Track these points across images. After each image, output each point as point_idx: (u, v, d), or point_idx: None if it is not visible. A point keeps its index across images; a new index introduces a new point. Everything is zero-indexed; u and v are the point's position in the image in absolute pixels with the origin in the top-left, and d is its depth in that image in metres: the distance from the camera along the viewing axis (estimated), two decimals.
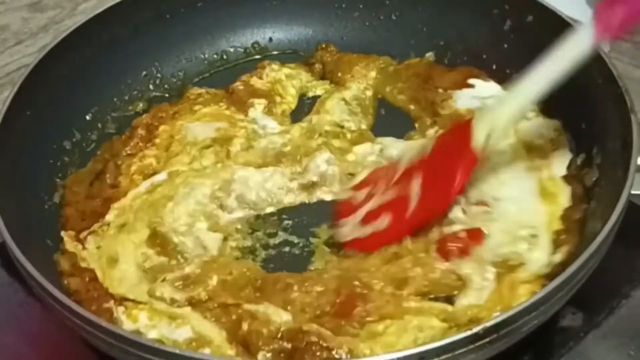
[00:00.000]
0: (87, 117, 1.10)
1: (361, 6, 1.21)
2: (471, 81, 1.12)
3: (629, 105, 0.89)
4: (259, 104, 1.12)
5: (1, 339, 0.93)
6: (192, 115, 1.11)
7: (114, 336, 0.74)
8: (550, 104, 1.04)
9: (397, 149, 1.04)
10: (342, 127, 1.09)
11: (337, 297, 0.85)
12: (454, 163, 0.92)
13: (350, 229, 0.96)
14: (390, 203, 0.95)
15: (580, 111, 1.00)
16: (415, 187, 0.93)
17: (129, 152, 1.06)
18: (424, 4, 1.17)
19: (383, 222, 0.94)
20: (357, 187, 1.00)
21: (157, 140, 1.07)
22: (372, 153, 1.05)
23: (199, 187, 1.00)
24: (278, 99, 1.14)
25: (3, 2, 1.25)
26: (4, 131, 0.94)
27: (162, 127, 1.09)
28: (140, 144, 1.07)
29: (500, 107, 0.92)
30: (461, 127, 0.93)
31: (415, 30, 1.18)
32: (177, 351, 0.73)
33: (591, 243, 0.78)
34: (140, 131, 1.08)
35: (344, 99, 1.12)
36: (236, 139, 1.07)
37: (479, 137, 0.90)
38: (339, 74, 1.16)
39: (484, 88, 1.11)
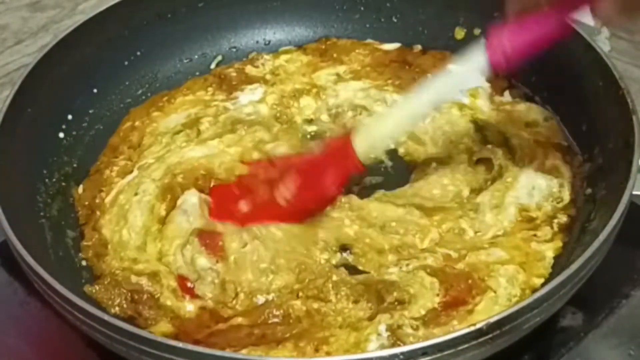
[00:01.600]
0: (87, 117, 1.10)
1: (362, 8, 1.21)
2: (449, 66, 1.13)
3: (631, 106, 0.90)
4: (251, 89, 1.12)
5: (1, 339, 0.92)
6: (171, 106, 1.11)
7: (118, 332, 0.74)
8: (551, 105, 1.05)
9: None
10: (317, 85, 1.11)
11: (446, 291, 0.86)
12: (336, 167, 0.94)
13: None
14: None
15: (581, 112, 1.00)
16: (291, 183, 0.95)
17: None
18: (425, 6, 1.18)
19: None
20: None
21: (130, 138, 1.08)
22: None
23: (146, 186, 0.99)
24: (276, 79, 1.14)
25: (3, 1, 1.25)
26: (5, 130, 0.94)
27: (130, 124, 1.09)
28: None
29: (379, 124, 0.95)
30: (342, 141, 0.94)
31: (416, 32, 1.18)
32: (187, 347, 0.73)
33: (594, 241, 0.78)
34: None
35: (337, 74, 1.13)
36: (205, 117, 1.08)
37: (359, 150, 0.91)
38: (335, 55, 1.17)
39: None
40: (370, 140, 0.92)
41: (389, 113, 0.95)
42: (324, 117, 1.10)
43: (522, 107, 1.06)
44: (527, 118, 1.04)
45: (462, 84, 0.90)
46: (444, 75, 0.90)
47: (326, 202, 0.95)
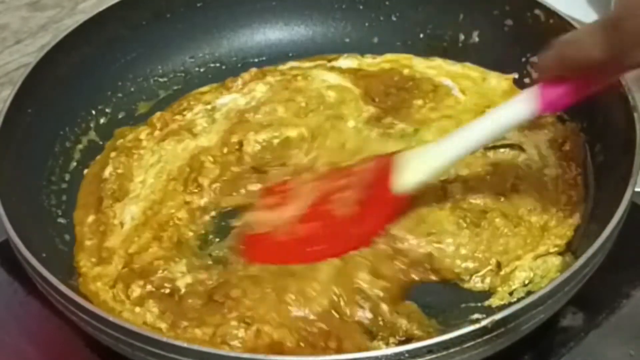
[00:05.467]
0: (88, 117, 1.09)
1: (361, 7, 1.21)
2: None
3: (632, 103, 0.89)
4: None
5: (1, 338, 0.92)
6: None
7: (124, 332, 0.74)
8: None
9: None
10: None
11: None
12: (376, 204, 0.88)
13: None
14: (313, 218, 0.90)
15: (581, 109, 1.00)
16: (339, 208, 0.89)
17: None
18: (424, 5, 1.18)
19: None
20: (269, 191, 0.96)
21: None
22: None
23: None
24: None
25: (3, 1, 1.25)
26: (6, 130, 0.94)
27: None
28: None
29: (427, 157, 0.87)
30: (381, 166, 0.89)
31: (415, 31, 1.18)
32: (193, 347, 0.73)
33: (598, 238, 0.79)
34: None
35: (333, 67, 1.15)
36: (199, 119, 1.07)
37: (402, 182, 0.86)
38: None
39: None
40: (418, 170, 0.86)
41: (441, 143, 0.87)
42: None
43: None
44: None
45: (512, 118, 0.84)
46: (497, 112, 0.85)
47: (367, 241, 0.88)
